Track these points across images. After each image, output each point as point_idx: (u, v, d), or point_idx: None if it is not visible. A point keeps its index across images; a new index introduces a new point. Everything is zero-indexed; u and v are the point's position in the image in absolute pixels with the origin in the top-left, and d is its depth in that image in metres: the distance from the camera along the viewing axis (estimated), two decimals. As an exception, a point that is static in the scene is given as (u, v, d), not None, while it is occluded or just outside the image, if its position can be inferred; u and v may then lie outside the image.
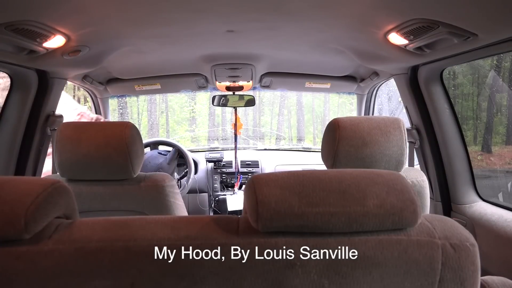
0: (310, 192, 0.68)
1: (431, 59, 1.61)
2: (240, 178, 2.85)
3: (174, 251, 0.69)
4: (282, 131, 7.72)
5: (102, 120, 2.71)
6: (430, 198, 1.72)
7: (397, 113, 3.26)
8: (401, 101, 2.03)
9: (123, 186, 1.32)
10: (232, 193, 2.81)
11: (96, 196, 1.31)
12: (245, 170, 3.06)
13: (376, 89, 2.69)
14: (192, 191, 2.89)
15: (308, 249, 0.68)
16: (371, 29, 1.43)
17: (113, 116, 3.19)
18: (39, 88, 1.79)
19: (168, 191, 1.35)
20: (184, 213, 1.51)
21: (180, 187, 2.73)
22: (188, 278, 0.68)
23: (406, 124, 1.95)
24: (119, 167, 1.26)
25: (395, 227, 0.69)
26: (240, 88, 2.63)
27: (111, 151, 1.24)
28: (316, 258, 0.68)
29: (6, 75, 1.71)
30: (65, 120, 1.92)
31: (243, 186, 2.83)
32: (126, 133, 1.24)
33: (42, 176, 1.96)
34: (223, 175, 3.03)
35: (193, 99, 7.82)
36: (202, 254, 0.69)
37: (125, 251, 0.69)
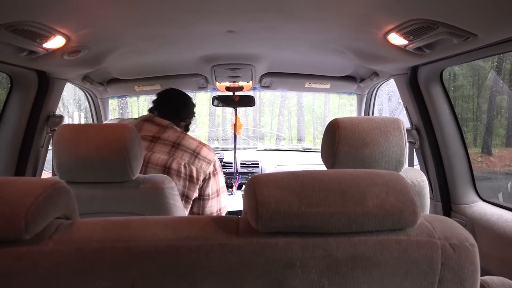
0: (310, 193, 0.68)
1: (431, 59, 1.61)
2: (238, 178, 2.85)
3: (174, 251, 0.69)
4: (282, 131, 7.72)
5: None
6: (430, 198, 1.72)
7: (397, 114, 3.26)
8: (401, 102, 2.04)
9: (122, 189, 1.31)
10: (230, 193, 2.81)
11: (95, 198, 1.30)
12: (245, 170, 3.06)
13: (376, 89, 2.69)
14: None
15: (308, 249, 0.68)
16: (371, 30, 1.43)
17: (113, 115, 3.20)
18: (39, 89, 1.79)
19: (168, 193, 1.35)
20: (184, 214, 1.50)
21: None
22: (188, 278, 0.68)
23: (406, 124, 1.95)
24: (118, 170, 1.25)
25: (395, 227, 0.69)
26: (240, 88, 2.63)
27: (110, 153, 1.23)
28: (316, 258, 0.68)
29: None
30: None
31: (243, 186, 2.83)
32: (125, 135, 1.23)
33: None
34: (223, 175, 3.03)
35: (193, 99, 7.81)
36: (202, 254, 0.69)
37: (125, 252, 0.69)
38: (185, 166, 1.58)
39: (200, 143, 1.67)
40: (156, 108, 1.76)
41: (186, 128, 1.84)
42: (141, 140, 1.60)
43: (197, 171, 1.61)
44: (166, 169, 1.57)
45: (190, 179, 1.60)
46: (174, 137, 1.62)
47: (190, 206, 1.65)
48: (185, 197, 1.61)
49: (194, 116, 1.90)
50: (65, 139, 1.26)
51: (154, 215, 1.32)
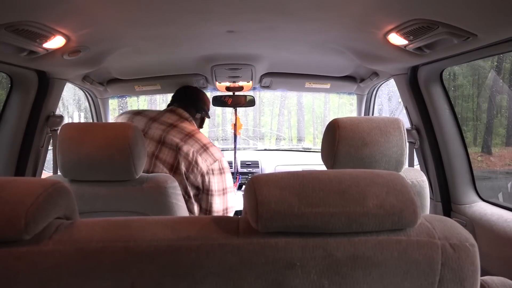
0: (310, 193, 0.68)
1: (431, 60, 1.61)
2: (239, 178, 2.85)
3: (174, 251, 0.69)
4: (282, 131, 7.73)
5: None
6: (430, 198, 1.72)
7: (397, 114, 3.26)
8: (401, 102, 2.04)
9: (126, 187, 1.32)
10: None
11: (98, 197, 1.31)
12: (245, 170, 3.06)
13: (376, 89, 2.69)
14: None
15: (308, 249, 0.68)
16: (371, 30, 1.43)
17: (113, 115, 3.20)
18: (39, 89, 1.79)
19: (170, 192, 1.35)
20: (186, 214, 1.51)
21: None
22: (188, 279, 0.68)
23: (406, 124, 1.95)
24: (121, 168, 1.26)
25: (395, 228, 0.69)
26: (240, 88, 2.63)
27: (114, 152, 1.24)
28: (316, 259, 0.68)
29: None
30: None
31: (243, 186, 2.83)
32: (129, 134, 1.24)
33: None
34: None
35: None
36: (202, 254, 0.69)
37: (126, 252, 0.69)
38: (193, 153, 1.69)
39: (210, 142, 1.78)
40: (175, 100, 1.97)
41: (201, 123, 1.99)
42: (159, 125, 1.76)
43: (202, 161, 1.70)
44: (177, 149, 1.68)
45: (195, 164, 1.69)
46: (189, 130, 1.76)
47: (189, 186, 1.73)
48: (185, 177, 1.69)
49: (208, 116, 2.04)
50: (69, 137, 1.27)
51: (157, 214, 1.32)
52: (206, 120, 2.13)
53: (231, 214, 1.86)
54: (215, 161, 1.74)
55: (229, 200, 1.81)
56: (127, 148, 1.23)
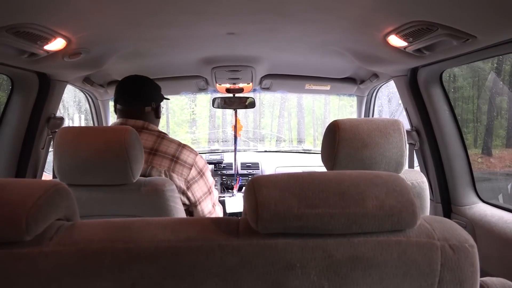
0: (310, 194, 0.68)
1: (430, 61, 1.62)
2: (239, 180, 2.85)
3: (174, 252, 0.69)
4: (282, 133, 7.73)
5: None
6: (430, 199, 1.72)
7: (397, 115, 3.26)
8: (401, 103, 2.04)
9: (123, 191, 1.31)
10: (231, 195, 2.81)
11: (96, 201, 1.30)
12: (245, 172, 3.06)
13: (376, 91, 2.69)
14: None
15: (308, 250, 0.68)
16: (370, 31, 1.43)
17: (113, 117, 3.21)
18: (40, 91, 1.79)
19: (168, 196, 1.34)
20: (184, 216, 1.50)
21: None
22: (188, 280, 0.69)
23: (406, 126, 1.95)
24: (118, 172, 1.25)
25: (394, 229, 0.70)
26: (241, 90, 2.64)
27: (111, 156, 1.23)
28: (316, 260, 0.68)
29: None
30: None
31: (243, 188, 2.84)
32: (126, 137, 1.23)
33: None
34: (224, 177, 3.03)
35: (194, 101, 7.84)
36: (202, 255, 0.69)
37: (126, 253, 0.69)
38: (165, 174, 1.51)
39: (179, 144, 1.58)
40: (117, 100, 1.67)
41: (157, 113, 1.70)
42: None
43: (178, 178, 1.52)
44: None
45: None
46: (151, 143, 1.54)
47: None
48: None
49: (167, 98, 1.79)
50: (66, 141, 1.26)
51: (155, 217, 1.32)
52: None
53: (218, 205, 1.77)
54: (190, 169, 1.56)
55: (214, 195, 1.71)
56: (124, 151, 1.22)
